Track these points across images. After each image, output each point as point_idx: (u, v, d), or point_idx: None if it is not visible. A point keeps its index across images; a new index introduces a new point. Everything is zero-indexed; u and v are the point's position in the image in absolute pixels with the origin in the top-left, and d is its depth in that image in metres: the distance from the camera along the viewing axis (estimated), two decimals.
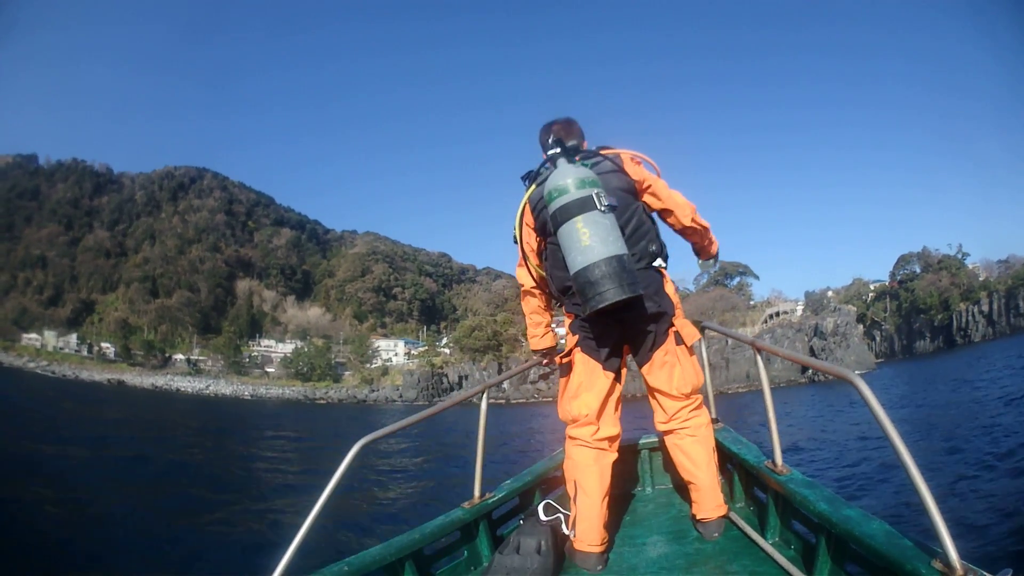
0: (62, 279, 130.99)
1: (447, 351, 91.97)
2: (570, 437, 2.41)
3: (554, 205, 2.11)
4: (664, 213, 2.46)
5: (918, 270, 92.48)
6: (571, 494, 2.39)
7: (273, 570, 1.80)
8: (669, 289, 2.38)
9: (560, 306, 2.56)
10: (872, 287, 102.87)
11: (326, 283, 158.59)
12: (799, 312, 73.11)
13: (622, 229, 2.19)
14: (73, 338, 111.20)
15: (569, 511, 2.43)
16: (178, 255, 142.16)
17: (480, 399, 2.78)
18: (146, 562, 6.56)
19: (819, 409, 21.40)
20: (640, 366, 2.40)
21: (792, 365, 55.06)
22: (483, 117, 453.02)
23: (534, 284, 2.53)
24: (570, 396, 2.40)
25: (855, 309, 76.51)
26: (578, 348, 2.40)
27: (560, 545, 2.36)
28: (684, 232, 2.52)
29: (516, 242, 2.53)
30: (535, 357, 2.78)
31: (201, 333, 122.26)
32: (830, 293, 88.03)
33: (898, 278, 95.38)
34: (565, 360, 2.46)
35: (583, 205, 2.06)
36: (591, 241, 2.02)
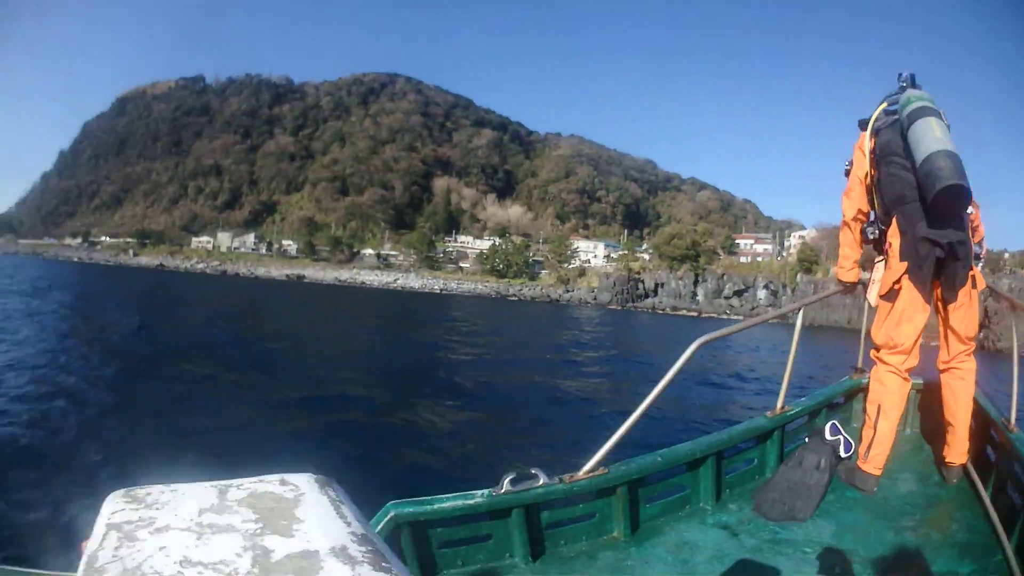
0: (239, 184, 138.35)
1: (646, 256, 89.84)
2: (881, 361, 2.52)
3: (912, 106, 2.40)
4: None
5: None
6: (871, 417, 2.50)
7: (592, 455, 2.04)
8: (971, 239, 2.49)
9: (878, 243, 2.66)
10: None
11: (528, 183, 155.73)
12: None
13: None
14: (250, 237, 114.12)
15: (847, 435, 2.66)
16: (370, 155, 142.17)
17: (795, 316, 2.90)
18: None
19: None
20: (946, 304, 2.50)
21: None
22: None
23: (854, 216, 2.68)
24: (892, 323, 2.47)
25: None
26: (907, 275, 2.43)
27: (834, 466, 2.52)
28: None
29: (846, 174, 2.71)
30: (836, 287, 2.96)
31: (394, 229, 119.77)
32: None
33: None
34: (895, 286, 2.47)
35: (937, 112, 2.40)
36: (942, 135, 2.32)
